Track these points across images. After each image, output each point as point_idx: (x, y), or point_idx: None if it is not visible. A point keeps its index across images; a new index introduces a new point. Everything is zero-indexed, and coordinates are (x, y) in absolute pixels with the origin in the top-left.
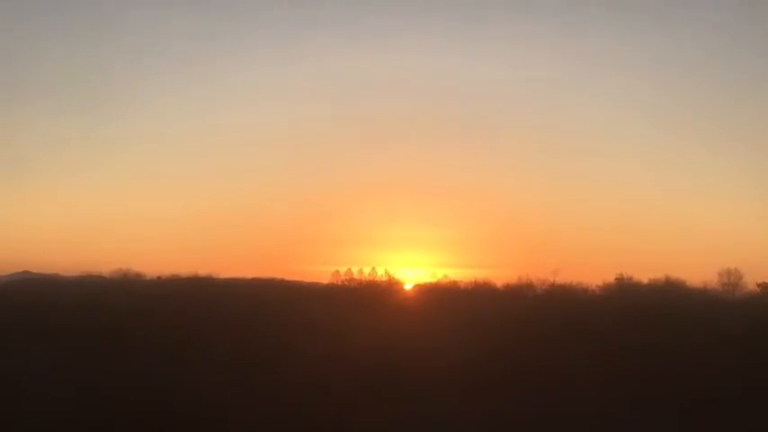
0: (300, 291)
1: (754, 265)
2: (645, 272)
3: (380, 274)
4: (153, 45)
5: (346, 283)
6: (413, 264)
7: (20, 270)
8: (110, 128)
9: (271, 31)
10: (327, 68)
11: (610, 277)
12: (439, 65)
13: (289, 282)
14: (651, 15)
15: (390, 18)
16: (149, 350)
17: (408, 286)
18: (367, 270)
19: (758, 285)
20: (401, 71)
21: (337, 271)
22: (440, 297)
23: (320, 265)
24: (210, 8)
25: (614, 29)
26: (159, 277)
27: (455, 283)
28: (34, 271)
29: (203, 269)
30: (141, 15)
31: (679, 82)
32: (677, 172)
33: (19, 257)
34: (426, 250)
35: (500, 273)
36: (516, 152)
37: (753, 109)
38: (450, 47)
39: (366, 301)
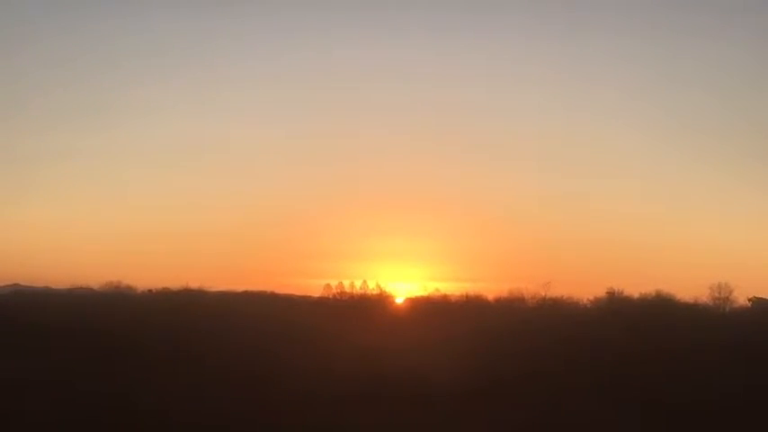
0: (292, 304)
1: (744, 280)
2: (636, 286)
3: (372, 287)
4: (143, 55)
5: (338, 296)
6: (404, 277)
7: (10, 283)
8: (100, 141)
9: (266, 41)
10: (321, 82)
11: (601, 291)
12: (432, 78)
13: (280, 295)
14: (654, 25)
15: (388, 32)
16: (140, 363)
17: (400, 299)
18: (358, 283)
19: (749, 300)
20: (393, 85)
21: (329, 284)
22: (431, 310)
23: (312, 279)
24: (213, 16)
25: (614, 39)
26: (150, 290)
27: (446, 296)
28: (25, 284)
29: (194, 282)
30: (139, 22)
31: (673, 97)
32: (669, 186)
33: (10, 270)
34: (418, 263)
35: (491, 286)
36: (508, 165)
37: (745, 123)
38: (442, 59)
39: (357, 315)
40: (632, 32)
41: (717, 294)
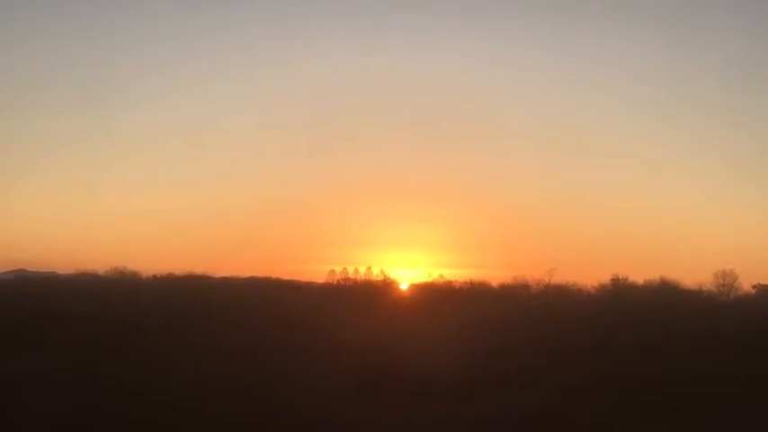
0: (296, 290)
1: (749, 267)
2: (640, 273)
3: (376, 273)
4: (148, 42)
5: (342, 282)
6: (408, 263)
7: (16, 268)
8: (106, 126)
9: (268, 30)
10: (323, 69)
11: (605, 278)
12: (434, 64)
13: (284, 281)
14: (651, 16)
15: (387, 17)
16: (146, 349)
17: (404, 286)
18: (362, 270)
19: (753, 287)
20: (397, 71)
21: (333, 270)
22: (435, 297)
23: (316, 265)
24: (210, 5)
25: (612, 28)
26: (155, 276)
27: (450, 282)
28: (30, 269)
29: (199, 268)
30: (138, 11)
31: (674, 83)
32: (673, 173)
33: (15, 256)
34: (422, 250)
35: (496, 273)
36: (512, 152)
37: (749, 110)
38: (445, 45)
39: (361, 301)
40: (637, 20)
41: (721, 281)
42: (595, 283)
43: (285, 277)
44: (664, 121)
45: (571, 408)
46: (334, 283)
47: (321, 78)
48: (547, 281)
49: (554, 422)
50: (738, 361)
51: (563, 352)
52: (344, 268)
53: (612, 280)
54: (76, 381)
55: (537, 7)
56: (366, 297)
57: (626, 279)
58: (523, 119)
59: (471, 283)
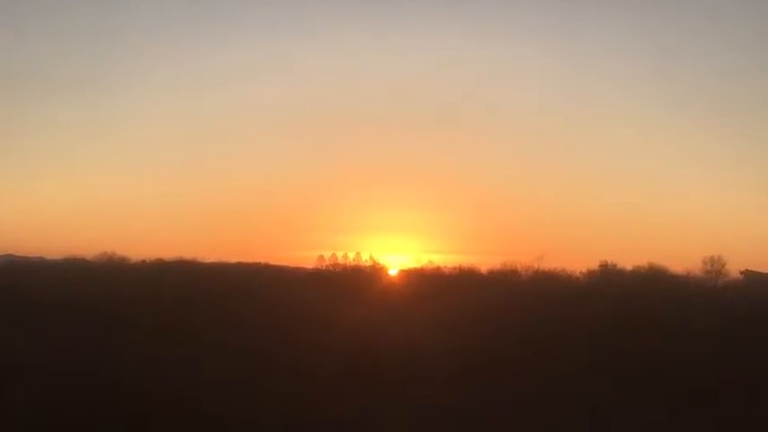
0: (285, 275)
1: (737, 253)
2: (629, 259)
3: (365, 259)
4: (136, 27)
5: (331, 268)
6: (397, 249)
7: (4, 253)
8: (94, 112)
9: (258, 16)
10: (313, 55)
11: (594, 264)
12: (424, 50)
13: (273, 266)
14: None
15: (378, 6)
16: (134, 334)
17: (393, 272)
18: (351, 255)
19: (741, 273)
20: (386, 58)
21: (322, 256)
22: (424, 283)
23: (305, 251)
24: None
25: (603, 17)
26: (144, 261)
27: (439, 268)
28: (19, 254)
29: (188, 253)
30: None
31: (663, 71)
32: (662, 160)
33: (3, 241)
34: (411, 236)
35: (485, 259)
36: (502, 139)
37: (738, 97)
38: (436, 30)
39: (350, 287)
40: (636, 15)
41: (709, 267)
42: (584, 269)
43: (274, 263)
44: (652, 110)
45: (563, 393)
46: (323, 268)
47: (310, 65)
48: (536, 267)
49: (547, 408)
50: (727, 345)
51: (553, 338)
52: (333, 254)
53: (601, 266)
54: (65, 368)
55: None
56: (355, 283)
57: (614, 265)
58: (514, 106)
59: (461, 269)
